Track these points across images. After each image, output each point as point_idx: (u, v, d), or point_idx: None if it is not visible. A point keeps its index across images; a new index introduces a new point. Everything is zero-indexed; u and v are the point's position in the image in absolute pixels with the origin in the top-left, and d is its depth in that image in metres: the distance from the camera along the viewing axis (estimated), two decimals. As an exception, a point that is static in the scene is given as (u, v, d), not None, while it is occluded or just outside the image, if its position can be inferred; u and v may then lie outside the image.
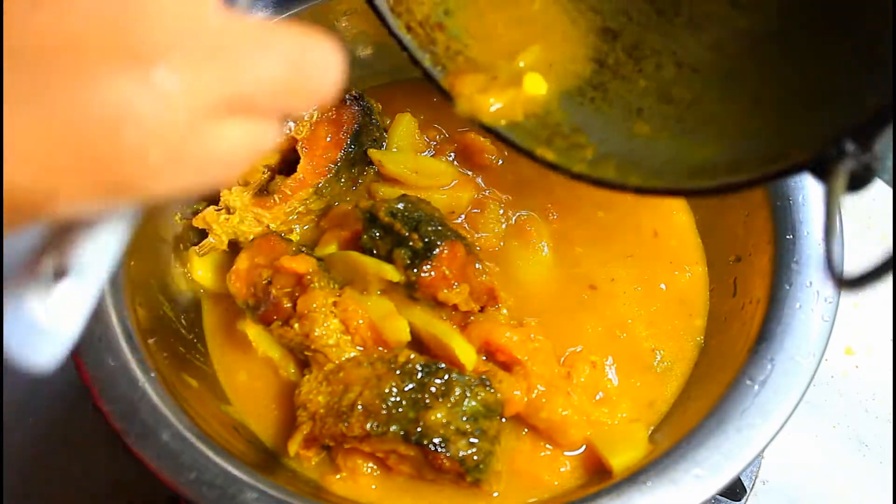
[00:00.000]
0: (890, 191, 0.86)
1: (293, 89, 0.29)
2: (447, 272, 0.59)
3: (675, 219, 0.69)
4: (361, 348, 0.60)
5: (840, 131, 0.40)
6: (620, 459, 0.56)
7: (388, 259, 0.60)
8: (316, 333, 0.59)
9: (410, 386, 0.56)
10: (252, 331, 0.62)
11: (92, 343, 0.54)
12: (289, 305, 0.60)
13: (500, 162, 0.70)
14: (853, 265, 0.78)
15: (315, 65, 0.29)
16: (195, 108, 0.25)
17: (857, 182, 0.40)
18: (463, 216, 0.68)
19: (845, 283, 0.38)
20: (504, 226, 0.68)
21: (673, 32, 0.52)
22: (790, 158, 0.43)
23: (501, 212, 0.68)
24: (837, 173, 0.40)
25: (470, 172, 0.70)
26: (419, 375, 0.56)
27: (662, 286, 0.66)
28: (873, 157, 0.39)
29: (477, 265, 0.61)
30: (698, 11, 0.52)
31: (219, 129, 0.27)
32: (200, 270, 0.67)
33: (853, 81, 0.43)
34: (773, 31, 0.48)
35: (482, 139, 0.70)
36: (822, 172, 0.41)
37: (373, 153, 0.67)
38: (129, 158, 0.24)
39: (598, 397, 0.61)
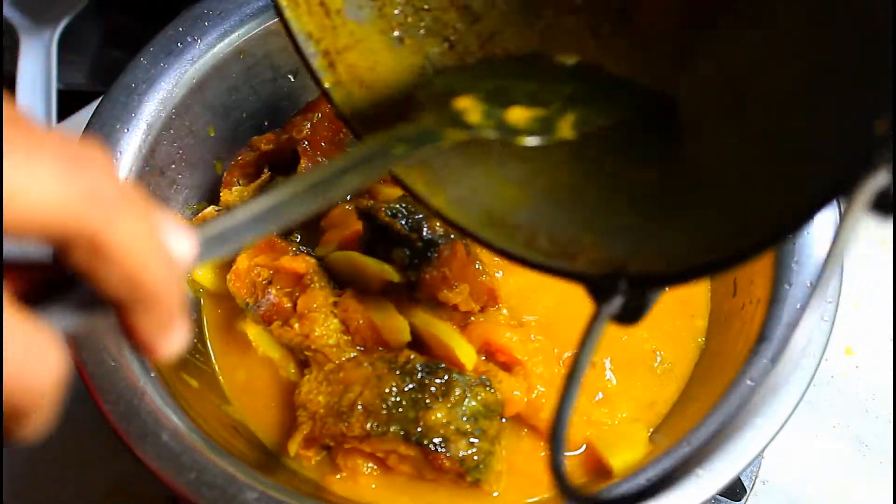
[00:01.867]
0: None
1: None
2: (447, 272, 0.59)
3: (675, 219, 0.69)
4: (361, 348, 0.60)
5: (618, 272, 0.38)
6: (620, 459, 0.56)
7: (388, 259, 0.60)
8: (316, 333, 0.59)
9: (410, 386, 0.56)
10: (252, 331, 0.62)
11: (92, 343, 0.54)
12: (289, 305, 0.60)
13: (500, 162, 0.70)
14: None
15: None
16: None
17: (625, 316, 0.38)
18: (463, 216, 0.68)
19: None
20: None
21: (528, 36, 0.47)
22: (574, 263, 0.41)
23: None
24: (608, 304, 0.37)
25: (470, 172, 0.70)
26: (419, 375, 0.56)
27: (663, 286, 0.66)
28: (645, 299, 0.38)
29: (477, 265, 0.61)
30: (558, 25, 0.45)
31: None
32: (200, 270, 0.66)
33: (654, 221, 0.40)
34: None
35: (482, 139, 0.70)
36: (595, 297, 0.39)
37: (373, 153, 0.67)
38: None
39: (598, 397, 0.61)
